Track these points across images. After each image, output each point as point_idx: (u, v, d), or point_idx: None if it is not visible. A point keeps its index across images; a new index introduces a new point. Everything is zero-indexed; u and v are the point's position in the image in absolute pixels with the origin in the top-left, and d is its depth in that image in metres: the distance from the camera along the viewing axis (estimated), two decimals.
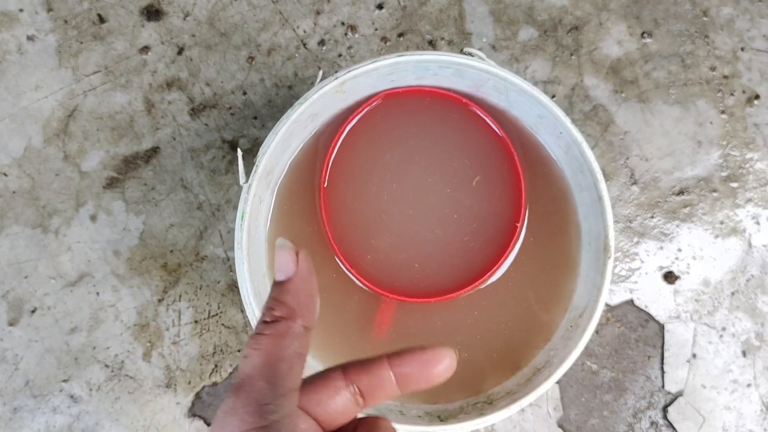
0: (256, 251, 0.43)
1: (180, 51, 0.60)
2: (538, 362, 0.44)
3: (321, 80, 0.45)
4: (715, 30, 0.61)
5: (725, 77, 0.60)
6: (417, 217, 0.46)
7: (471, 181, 0.46)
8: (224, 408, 0.22)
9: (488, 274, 0.45)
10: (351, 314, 0.46)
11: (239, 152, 0.44)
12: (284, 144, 0.44)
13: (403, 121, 0.47)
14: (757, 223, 0.58)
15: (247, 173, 0.43)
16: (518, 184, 0.45)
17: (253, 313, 0.41)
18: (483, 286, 0.46)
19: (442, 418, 0.42)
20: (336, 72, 0.44)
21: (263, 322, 0.23)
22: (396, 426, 0.41)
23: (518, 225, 0.45)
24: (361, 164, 0.46)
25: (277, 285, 0.24)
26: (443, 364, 0.24)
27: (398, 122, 0.47)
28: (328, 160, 0.46)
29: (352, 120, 0.46)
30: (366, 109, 0.46)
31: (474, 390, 0.44)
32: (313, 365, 0.44)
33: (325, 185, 0.46)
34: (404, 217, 0.46)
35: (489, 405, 0.42)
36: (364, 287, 0.45)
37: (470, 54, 0.44)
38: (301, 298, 0.24)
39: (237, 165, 0.58)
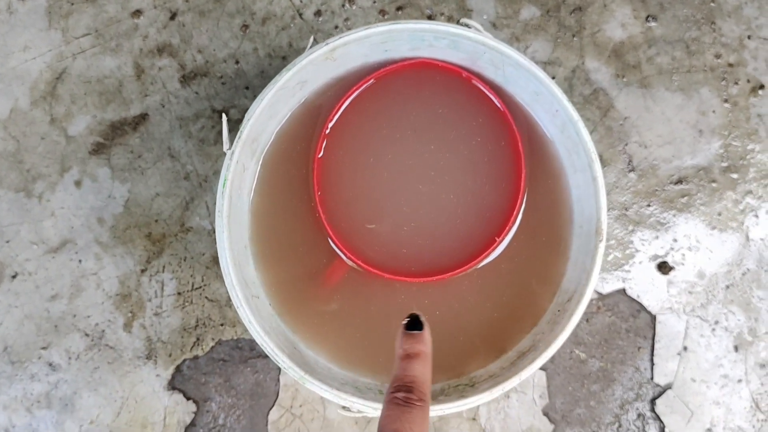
0: (238, 220, 0.42)
1: (173, 16, 0.58)
2: (524, 346, 0.43)
3: (311, 47, 0.43)
4: (722, 17, 0.59)
5: (730, 65, 0.58)
6: (410, 195, 0.45)
7: (470, 159, 0.45)
8: None
9: (478, 259, 0.43)
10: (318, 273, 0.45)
11: (224, 117, 0.42)
12: (271, 111, 0.43)
13: (403, 95, 0.45)
14: (756, 216, 0.57)
15: (232, 140, 0.41)
16: (518, 163, 0.44)
17: (232, 283, 0.40)
18: (473, 269, 0.45)
19: None
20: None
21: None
22: (374, 405, 0.40)
23: (514, 211, 0.44)
24: (357, 136, 0.45)
25: None
26: None
27: (397, 96, 0.45)
28: (330, 119, 0.44)
29: (364, 83, 0.45)
30: (381, 75, 0.45)
31: (457, 372, 0.43)
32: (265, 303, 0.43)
33: (320, 155, 0.44)
34: (397, 194, 0.45)
35: (470, 387, 0.41)
36: (351, 263, 0.44)
37: (467, 25, 0.43)
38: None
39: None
